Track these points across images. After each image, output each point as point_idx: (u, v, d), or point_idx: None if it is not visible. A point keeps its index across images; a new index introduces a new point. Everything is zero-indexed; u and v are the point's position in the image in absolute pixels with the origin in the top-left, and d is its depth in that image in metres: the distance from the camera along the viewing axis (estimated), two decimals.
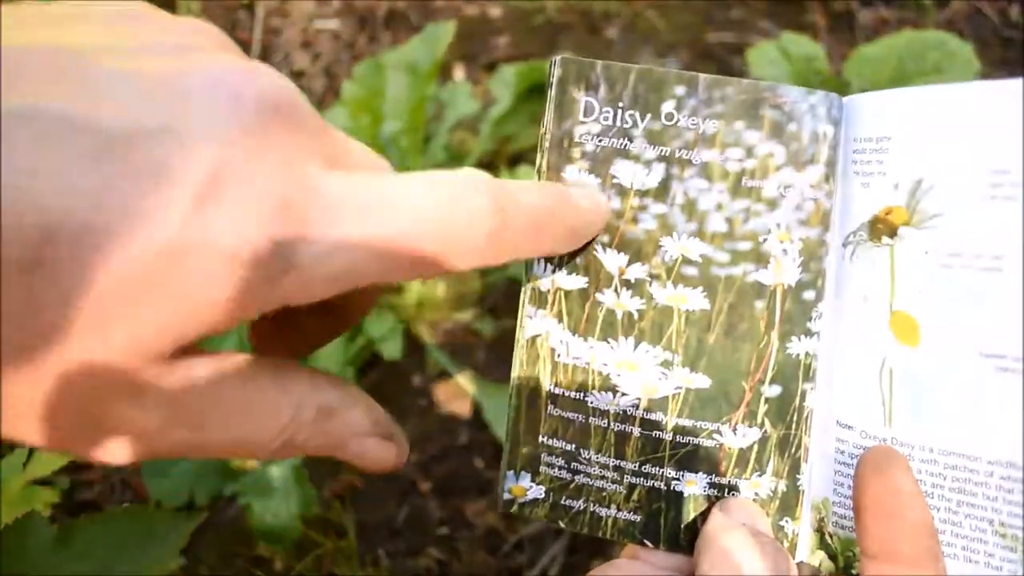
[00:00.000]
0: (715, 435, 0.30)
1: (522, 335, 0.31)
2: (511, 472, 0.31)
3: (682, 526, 0.31)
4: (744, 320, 0.30)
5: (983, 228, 0.26)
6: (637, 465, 0.31)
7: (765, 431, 0.30)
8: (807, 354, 0.30)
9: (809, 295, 0.30)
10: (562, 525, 0.31)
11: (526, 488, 0.31)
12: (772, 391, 0.30)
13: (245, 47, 1.01)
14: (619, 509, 0.31)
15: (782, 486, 0.30)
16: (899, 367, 0.28)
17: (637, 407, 0.30)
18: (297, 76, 0.99)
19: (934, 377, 0.28)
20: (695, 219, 0.30)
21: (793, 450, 0.30)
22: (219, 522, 0.71)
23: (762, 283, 0.30)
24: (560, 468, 0.31)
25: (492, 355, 0.82)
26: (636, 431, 0.30)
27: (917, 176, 0.28)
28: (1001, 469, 0.26)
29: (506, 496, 0.31)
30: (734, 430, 0.30)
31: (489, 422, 0.75)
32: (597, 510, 0.31)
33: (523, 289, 0.31)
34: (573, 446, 0.31)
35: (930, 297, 0.28)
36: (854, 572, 0.29)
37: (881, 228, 0.28)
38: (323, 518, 0.69)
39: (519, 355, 0.31)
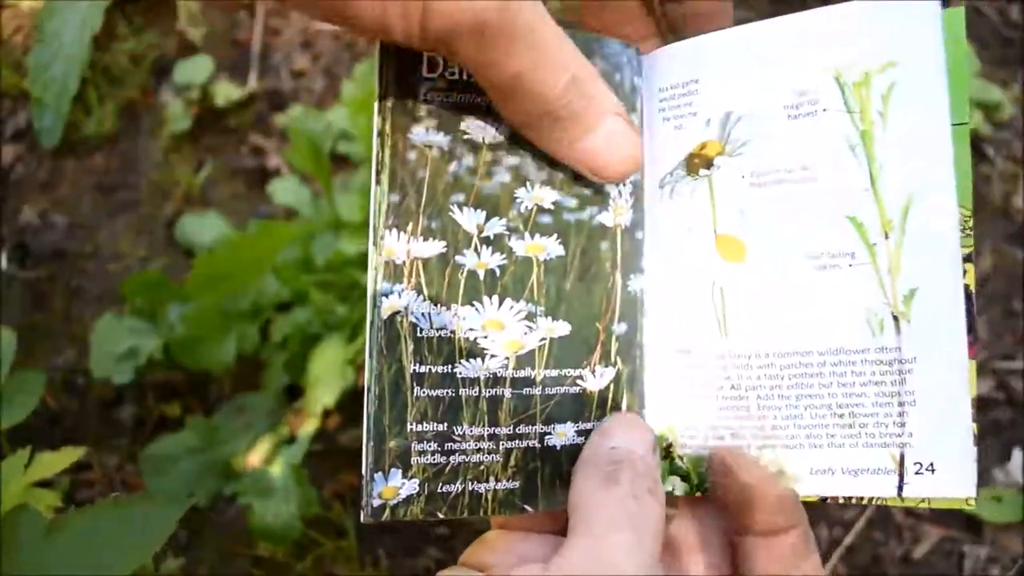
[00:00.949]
0: (578, 381, 0.30)
1: (377, 316, 0.28)
2: (379, 474, 0.28)
3: (558, 481, 0.30)
4: (594, 263, 0.30)
5: (790, 145, 0.29)
6: (512, 428, 0.29)
7: (618, 368, 0.31)
8: (641, 290, 0.31)
9: (640, 234, 0.31)
10: (440, 516, 0.29)
11: (398, 487, 0.28)
12: (620, 328, 0.31)
13: (245, 47, 1.00)
14: (498, 479, 0.29)
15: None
16: (729, 284, 0.30)
17: (506, 367, 0.29)
18: (297, 76, 0.99)
19: (763, 286, 0.30)
20: (545, 167, 0.30)
21: (639, 384, 0.31)
22: (219, 522, 0.71)
23: (605, 225, 0.30)
24: (433, 453, 0.29)
25: None
26: (507, 393, 0.29)
27: (726, 109, 0.30)
28: (832, 356, 0.29)
29: (375, 503, 0.28)
30: (593, 372, 0.30)
31: None
32: (476, 488, 0.29)
33: (372, 265, 0.29)
34: (445, 425, 0.29)
35: (751, 216, 0.30)
36: (706, 486, 0.30)
37: (697, 162, 0.31)
38: (323, 518, 0.69)
39: (375, 341, 0.28)
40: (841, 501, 0.30)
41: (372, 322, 0.29)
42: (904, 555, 0.72)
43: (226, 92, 0.95)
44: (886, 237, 0.28)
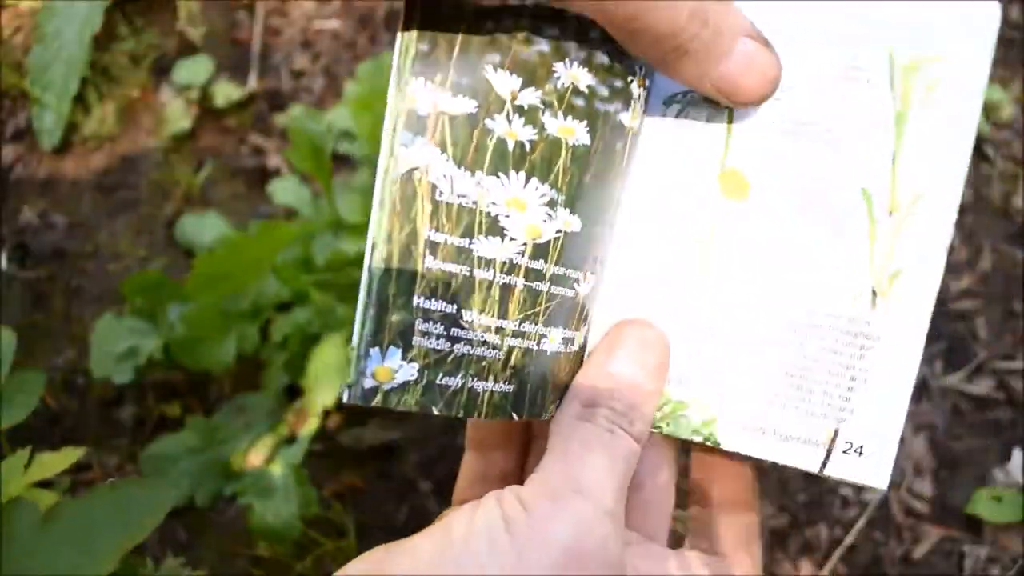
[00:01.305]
0: (575, 284, 0.29)
1: (393, 167, 0.25)
2: (375, 349, 0.25)
3: (540, 390, 0.29)
4: (611, 162, 0.28)
5: (828, 104, 0.29)
6: (518, 323, 0.27)
7: (597, 279, 0.30)
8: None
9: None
10: (435, 411, 0.26)
11: (394, 369, 0.25)
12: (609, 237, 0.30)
13: (245, 47, 1.00)
14: (496, 380, 0.27)
15: (588, 335, 0.30)
16: (722, 221, 0.30)
17: (523, 254, 0.27)
18: (297, 76, 0.99)
19: (755, 231, 0.30)
20: (585, 47, 0.27)
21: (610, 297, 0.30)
22: (219, 522, 0.71)
23: (624, 125, 0.29)
24: (438, 337, 0.26)
25: None
26: (520, 283, 0.27)
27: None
28: (803, 316, 0.29)
29: (367, 383, 0.25)
30: (586, 278, 0.29)
31: None
32: (475, 386, 0.27)
33: (392, 110, 0.25)
34: (455, 307, 0.26)
35: (765, 160, 0.29)
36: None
37: None
38: (323, 518, 0.69)
39: (389, 194, 0.25)
40: (758, 462, 0.30)
41: (386, 171, 0.25)
42: (904, 555, 0.72)
43: (226, 92, 0.95)
44: (890, 215, 0.29)
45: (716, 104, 0.29)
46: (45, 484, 0.48)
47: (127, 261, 0.86)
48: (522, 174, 0.26)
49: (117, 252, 0.86)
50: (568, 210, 0.27)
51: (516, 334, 0.27)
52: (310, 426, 0.73)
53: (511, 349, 0.27)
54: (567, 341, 0.29)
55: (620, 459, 0.27)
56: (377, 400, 0.25)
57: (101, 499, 0.39)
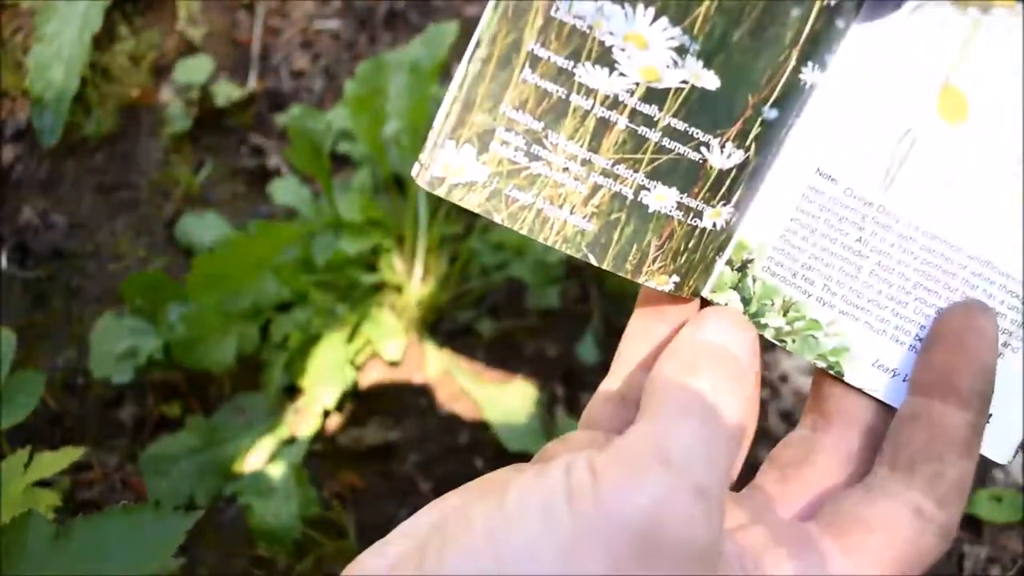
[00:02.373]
0: (702, 148, 0.26)
1: None
2: (451, 142, 0.24)
3: (635, 247, 0.27)
4: (775, 25, 0.25)
5: None
6: (610, 163, 0.26)
7: (748, 156, 0.27)
8: (811, 86, 0.27)
9: (841, 23, 0.26)
10: (497, 219, 0.25)
11: (465, 166, 0.25)
12: (771, 114, 0.26)
13: (245, 47, 1.00)
14: (572, 212, 0.26)
15: (735, 220, 0.28)
16: (926, 139, 0.27)
17: (632, 94, 0.25)
18: (297, 76, 0.99)
19: (959, 159, 0.27)
20: None
21: (759, 184, 0.28)
22: (219, 522, 0.71)
23: None
24: (517, 150, 0.25)
25: (492, 355, 0.82)
26: (622, 122, 0.25)
27: None
28: (976, 265, 0.27)
29: (435, 172, 0.25)
30: (722, 147, 0.26)
31: (489, 422, 0.75)
32: (547, 209, 0.26)
33: None
34: (541, 125, 0.25)
35: (996, 87, 0.26)
36: (763, 321, 0.28)
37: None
38: (323, 518, 0.69)
39: None
40: (876, 401, 0.28)
41: None
42: None
43: (226, 92, 0.95)
44: None
45: (964, 8, 0.26)
46: (45, 484, 0.48)
47: (127, 261, 0.86)
48: (651, 10, 0.24)
49: (117, 252, 0.86)
50: (702, 63, 0.25)
51: (606, 173, 0.26)
52: (310, 426, 0.73)
53: (598, 187, 0.26)
54: (685, 209, 0.27)
55: (723, 431, 0.23)
56: (442, 190, 0.25)
57: (114, 522, 0.38)
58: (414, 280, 0.80)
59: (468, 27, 1.00)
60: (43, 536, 0.37)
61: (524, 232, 0.26)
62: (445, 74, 0.95)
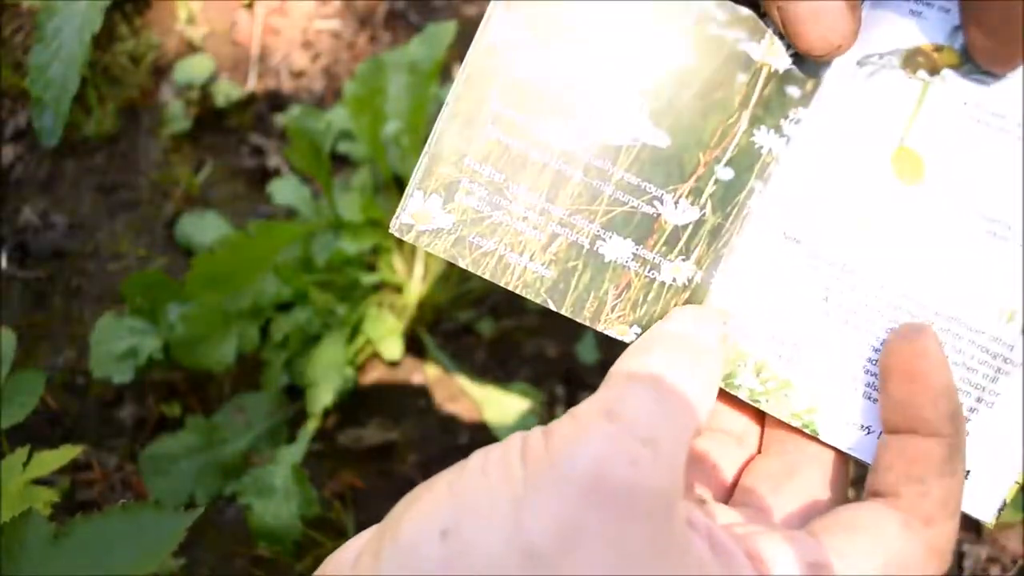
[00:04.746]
0: (655, 202, 0.28)
1: (483, 39, 0.27)
2: (419, 192, 0.27)
3: (592, 294, 0.28)
4: (722, 89, 0.27)
5: None
6: (567, 213, 0.28)
7: (704, 214, 0.28)
8: (769, 152, 0.28)
9: (793, 91, 0.28)
10: (462, 264, 0.28)
11: (432, 215, 0.27)
12: (725, 174, 0.28)
13: (245, 47, 1.00)
14: (532, 259, 0.28)
15: (698, 277, 0.29)
16: (886, 201, 0.27)
17: (588, 150, 0.27)
18: (297, 76, 0.99)
19: (918, 219, 0.27)
20: None
21: (720, 244, 0.29)
22: (219, 522, 0.71)
23: (750, 56, 0.27)
24: (480, 199, 0.27)
25: (492, 355, 0.82)
26: (577, 175, 0.27)
27: None
28: (944, 322, 0.27)
29: (404, 219, 0.27)
30: (676, 203, 0.28)
31: (489, 422, 0.75)
32: (507, 255, 0.28)
33: None
34: (503, 177, 0.27)
35: (949, 145, 0.27)
36: (736, 382, 0.29)
37: (921, 62, 0.27)
38: (323, 518, 0.69)
39: (472, 60, 0.27)
40: (853, 461, 0.28)
41: (477, 41, 0.27)
42: None
43: (226, 92, 0.95)
44: None
45: (913, 72, 0.27)
46: (44, 482, 0.48)
47: (127, 261, 0.86)
48: None
49: (117, 252, 0.86)
50: (652, 122, 0.27)
51: (563, 223, 0.28)
52: (310, 426, 0.73)
53: (555, 236, 0.28)
54: (640, 260, 0.28)
55: (674, 397, 0.23)
56: (410, 236, 0.27)
57: (115, 521, 0.38)
58: (414, 280, 0.80)
59: (467, 27, 1.00)
60: (42, 535, 0.37)
61: (487, 277, 0.28)
62: (445, 74, 0.95)
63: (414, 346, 0.81)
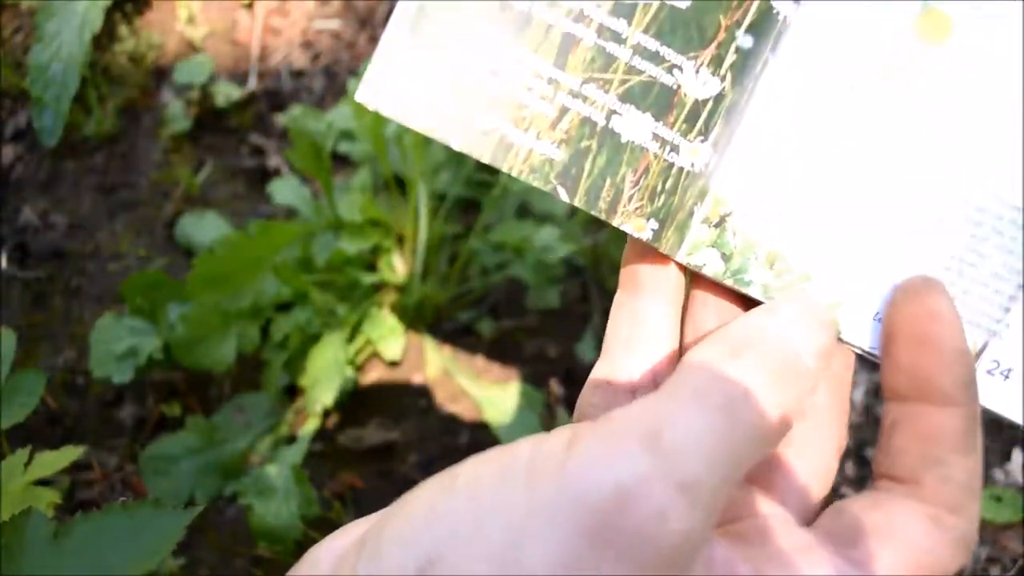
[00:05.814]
0: (675, 71, 0.25)
1: None
2: (399, 47, 0.22)
3: (608, 181, 0.25)
4: None
5: None
6: (579, 83, 0.24)
7: (724, 88, 0.25)
8: (783, 20, 0.25)
9: None
10: (455, 144, 0.23)
11: (415, 74, 0.22)
12: (745, 41, 0.25)
13: (245, 47, 1.00)
14: (539, 138, 0.24)
15: (713, 162, 0.25)
16: (909, 63, 0.24)
17: (599, 7, 0.24)
18: (297, 76, 0.99)
19: (948, 83, 0.24)
20: None
21: (735, 124, 0.25)
22: (219, 522, 0.71)
23: None
24: (475, 61, 0.23)
25: (492, 355, 0.82)
26: (589, 37, 0.24)
27: None
28: (980, 198, 0.24)
29: (374, 86, 0.22)
30: (696, 71, 0.25)
31: (489, 422, 0.75)
32: (510, 134, 0.24)
33: None
34: (504, 38, 0.23)
35: (984, 12, 0.24)
36: (746, 278, 0.25)
37: None
38: (323, 518, 0.69)
39: None
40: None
41: None
42: None
43: (226, 92, 0.95)
44: None
45: None
46: (45, 483, 0.48)
47: (127, 261, 0.86)
48: None
49: (117, 252, 0.86)
50: None
51: (574, 94, 0.24)
52: (310, 426, 0.73)
53: (566, 110, 0.24)
54: (660, 140, 0.25)
55: (744, 426, 0.19)
56: (379, 106, 0.23)
57: (115, 520, 0.38)
58: (414, 280, 0.80)
59: None
60: (43, 534, 0.37)
61: (486, 160, 0.24)
62: None
63: (414, 346, 0.81)
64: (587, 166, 0.24)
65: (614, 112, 0.24)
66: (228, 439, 0.72)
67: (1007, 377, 0.24)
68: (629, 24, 0.24)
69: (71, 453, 0.47)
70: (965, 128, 0.24)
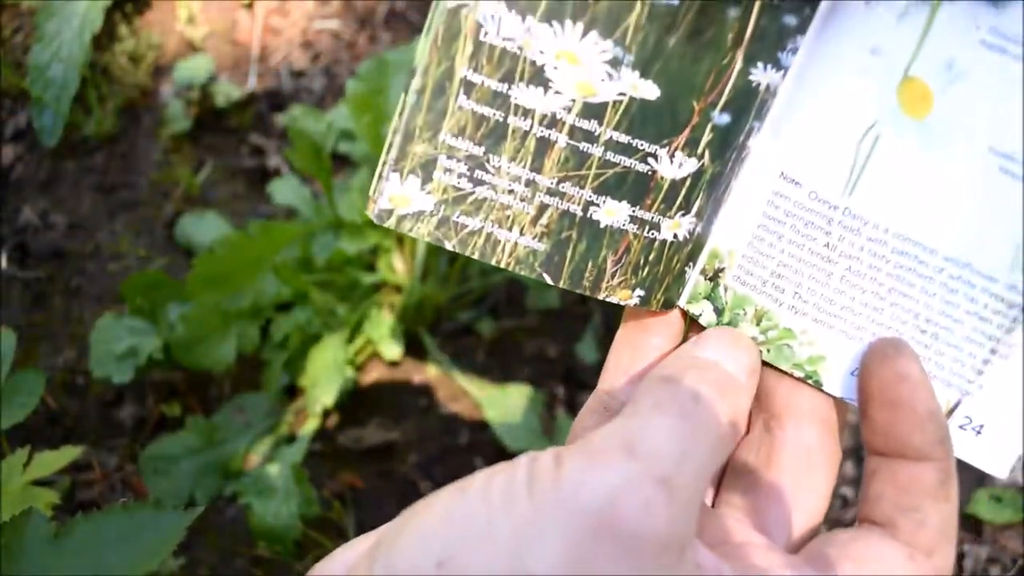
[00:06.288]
0: (650, 159, 0.26)
1: (443, 1, 0.24)
2: (395, 174, 0.25)
3: (590, 263, 0.27)
4: (712, 28, 0.24)
5: None
6: (555, 182, 0.26)
7: (703, 164, 0.26)
8: (767, 88, 0.26)
9: (790, 20, 0.25)
10: (448, 245, 0.26)
11: (410, 197, 0.25)
12: (722, 119, 0.26)
13: (245, 47, 1.00)
14: (522, 233, 0.26)
15: (699, 229, 0.27)
16: (891, 137, 0.25)
17: (569, 111, 0.25)
18: (297, 76, 0.99)
19: (926, 156, 0.25)
20: None
21: (721, 191, 0.27)
22: (219, 522, 0.71)
23: None
24: (460, 176, 0.25)
25: (492, 355, 0.82)
26: (562, 140, 0.25)
27: None
28: (954, 268, 0.25)
29: (382, 205, 0.25)
30: (671, 156, 0.26)
31: (489, 422, 0.75)
32: (496, 232, 0.26)
33: None
34: (482, 150, 0.25)
35: (961, 75, 0.24)
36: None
37: None
38: (323, 518, 0.69)
39: (434, 27, 0.24)
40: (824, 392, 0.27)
41: (435, 7, 0.24)
42: None
43: (226, 92, 0.95)
44: None
45: None
46: (44, 483, 0.48)
47: (127, 261, 0.86)
48: (580, 25, 0.24)
49: (117, 252, 0.86)
50: (638, 73, 0.25)
51: (552, 192, 0.26)
52: (310, 426, 0.73)
53: (544, 207, 0.26)
54: (639, 222, 0.26)
55: (700, 433, 0.22)
56: (390, 222, 0.25)
57: (115, 521, 0.38)
58: (414, 280, 0.80)
59: None
60: (42, 534, 0.37)
61: (476, 257, 0.26)
62: None
63: (414, 346, 0.81)
64: (568, 253, 0.27)
65: (591, 203, 0.26)
66: (228, 439, 0.72)
67: (979, 433, 0.26)
68: (600, 123, 0.25)
69: (70, 453, 0.47)
70: (942, 199, 0.25)
